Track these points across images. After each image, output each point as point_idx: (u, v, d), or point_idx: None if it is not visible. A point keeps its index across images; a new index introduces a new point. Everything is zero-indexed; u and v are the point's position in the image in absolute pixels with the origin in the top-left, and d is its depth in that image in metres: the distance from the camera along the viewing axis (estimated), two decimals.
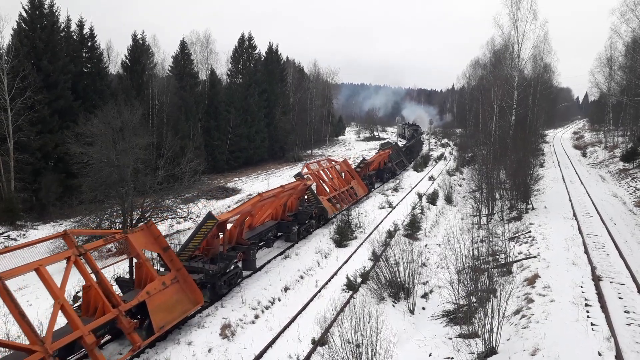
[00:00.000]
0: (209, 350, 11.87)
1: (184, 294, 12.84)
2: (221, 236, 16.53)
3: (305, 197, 24.91)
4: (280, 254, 19.91)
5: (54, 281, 10.00)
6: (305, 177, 25.13)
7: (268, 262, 19.09)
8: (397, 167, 45.49)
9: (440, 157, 60.84)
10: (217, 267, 14.76)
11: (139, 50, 47.56)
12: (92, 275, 11.08)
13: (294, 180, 24.44)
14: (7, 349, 9.93)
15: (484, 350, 10.44)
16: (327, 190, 27.14)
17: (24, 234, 28.79)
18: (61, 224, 27.95)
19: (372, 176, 37.62)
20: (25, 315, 9.12)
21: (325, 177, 28.11)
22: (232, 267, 15.78)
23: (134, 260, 12.88)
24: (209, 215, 15.30)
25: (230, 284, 15.75)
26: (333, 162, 30.89)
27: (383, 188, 37.61)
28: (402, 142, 69.00)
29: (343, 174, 31.11)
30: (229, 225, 17.16)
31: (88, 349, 9.94)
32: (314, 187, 26.36)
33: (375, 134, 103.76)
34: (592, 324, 10.79)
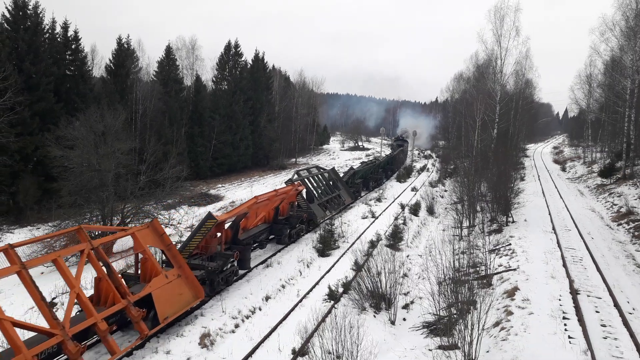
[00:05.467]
0: None
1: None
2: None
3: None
4: (262, 262, 19.80)
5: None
6: None
7: (255, 266, 19.05)
8: (319, 212, 26.25)
9: (423, 169, 61.32)
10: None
11: (124, 54, 47.16)
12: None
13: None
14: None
15: None
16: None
17: None
18: (39, 228, 27.39)
19: (250, 240, 19.99)
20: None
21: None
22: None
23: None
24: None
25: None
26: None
27: (366, 198, 37.44)
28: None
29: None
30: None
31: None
32: None
33: (360, 144, 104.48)
34: (569, 337, 10.95)
